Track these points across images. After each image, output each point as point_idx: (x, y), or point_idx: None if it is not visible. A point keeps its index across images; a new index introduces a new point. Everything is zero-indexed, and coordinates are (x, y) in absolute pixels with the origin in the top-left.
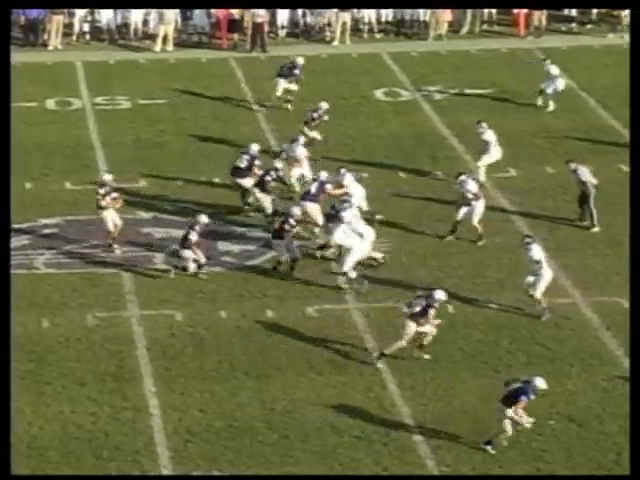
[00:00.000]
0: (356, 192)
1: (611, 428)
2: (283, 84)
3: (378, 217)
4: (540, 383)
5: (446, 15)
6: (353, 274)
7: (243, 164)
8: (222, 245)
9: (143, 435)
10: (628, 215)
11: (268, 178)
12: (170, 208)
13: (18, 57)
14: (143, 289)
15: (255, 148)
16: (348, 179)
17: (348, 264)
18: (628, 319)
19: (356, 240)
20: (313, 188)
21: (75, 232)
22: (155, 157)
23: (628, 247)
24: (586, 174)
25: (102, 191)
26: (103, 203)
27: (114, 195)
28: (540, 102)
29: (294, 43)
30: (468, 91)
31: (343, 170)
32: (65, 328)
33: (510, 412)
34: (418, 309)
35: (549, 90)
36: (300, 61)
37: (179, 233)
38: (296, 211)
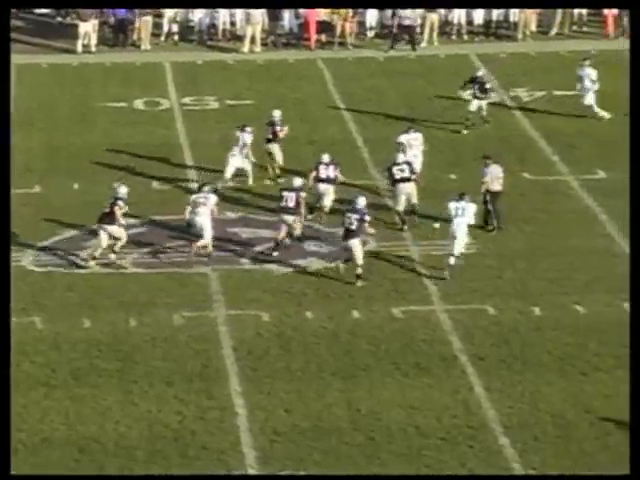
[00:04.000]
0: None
1: None
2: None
3: (436, 225)
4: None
5: (533, 16)
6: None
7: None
8: (309, 245)
9: (229, 435)
10: None
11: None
12: (257, 208)
13: (108, 57)
14: (230, 289)
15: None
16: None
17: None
18: None
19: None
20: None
21: (162, 232)
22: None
23: None
24: (489, 174)
25: (122, 203)
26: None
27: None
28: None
29: (381, 44)
30: (557, 93)
31: None
32: (152, 327)
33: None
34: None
35: (587, 100)
36: None
37: (266, 233)
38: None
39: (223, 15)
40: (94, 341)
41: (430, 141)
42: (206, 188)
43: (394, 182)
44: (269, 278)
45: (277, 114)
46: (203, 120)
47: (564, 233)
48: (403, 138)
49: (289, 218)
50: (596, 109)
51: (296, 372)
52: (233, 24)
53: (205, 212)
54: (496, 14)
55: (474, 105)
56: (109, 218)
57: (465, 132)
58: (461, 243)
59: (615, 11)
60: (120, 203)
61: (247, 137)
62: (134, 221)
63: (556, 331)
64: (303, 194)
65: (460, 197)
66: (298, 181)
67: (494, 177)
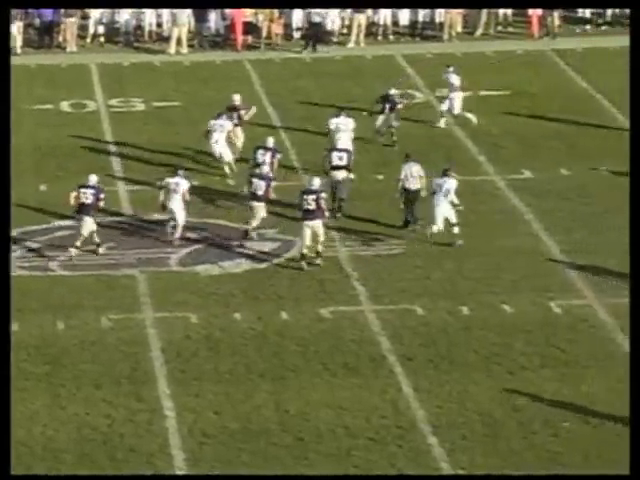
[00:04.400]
0: None
1: (626, 430)
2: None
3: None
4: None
5: (459, 16)
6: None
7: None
8: (237, 246)
9: (158, 437)
10: None
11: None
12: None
13: (33, 59)
14: (157, 291)
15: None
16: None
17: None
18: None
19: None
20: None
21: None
22: (169, 160)
23: None
24: (404, 172)
25: (102, 195)
26: (101, 205)
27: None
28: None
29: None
30: (483, 93)
31: None
32: (80, 330)
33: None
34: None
35: (444, 106)
36: None
37: (193, 235)
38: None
39: (149, 16)
40: (22, 344)
41: (356, 142)
42: (181, 172)
43: (331, 168)
44: (197, 280)
45: (237, 97)
46: (130, 122)
47: (491, 233)
48: (333, 122)
49: (314, 223)
50: (465, 114)
51: (225, 374)
52: (160, 25)
53: (177, 198)
54: (422, 15)
55: (380, 120)
56: (88, 208)
57: (396, 147)
58: (441, 217)
59: (539, 11)
60: (101, 195)
61: (226, 123)
62: (61, 223)
63: (483, 330)
64: (324, 195)
65: (443, 173)
66: (317, 182)
67: (409, 175)
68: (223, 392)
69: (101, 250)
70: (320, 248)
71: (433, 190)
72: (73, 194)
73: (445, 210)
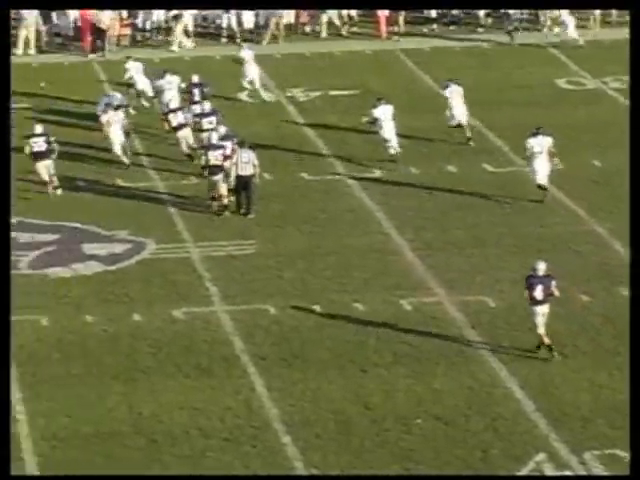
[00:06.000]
0: None
1: (477, 426)
2: None
3: None
4: None
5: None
6: None
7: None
8: (88, 248)
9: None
10: (489, 215)
11: None
12: (35, 212)
13: None
14: None
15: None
16: None
17: None
18: (492, 318)
19: None
20: None
21: None
22: (20, 164)
23: (491, 246)
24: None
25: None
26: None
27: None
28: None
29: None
30: (333, 93)
31: None
32: None
33: None
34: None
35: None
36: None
37: (44, 237)
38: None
39: None
40: None
41: None
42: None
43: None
44: (47, 282)
45: (196, 77)
46: None
47: (342, 232)
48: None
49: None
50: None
51: (76, 376)
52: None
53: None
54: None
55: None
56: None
57: None
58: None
59: (387, 12)
60: (52, 139)
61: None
62: None
63: (336, 329)
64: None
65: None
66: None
67: (242, 161)
68: (75, 395)
69: (58, 192)
70: (225, 201)
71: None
72: (26, 147)
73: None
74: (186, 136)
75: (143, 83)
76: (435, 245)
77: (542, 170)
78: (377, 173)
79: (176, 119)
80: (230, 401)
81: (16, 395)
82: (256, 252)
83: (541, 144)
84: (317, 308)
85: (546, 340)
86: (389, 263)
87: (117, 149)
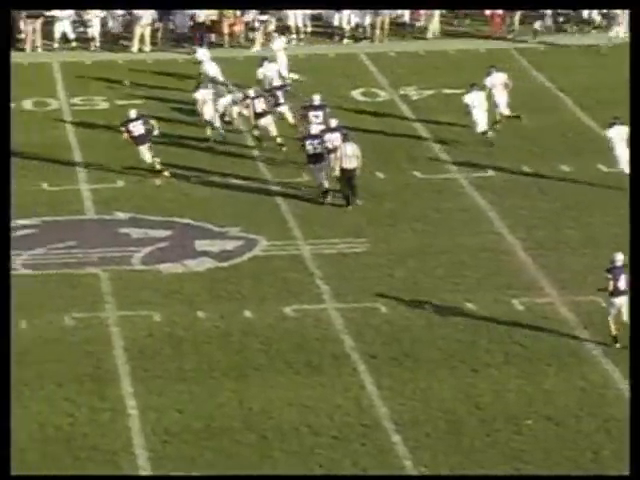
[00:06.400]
0: None
1: (589, 427)
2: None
3: None
4: None
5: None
6: None
7: None
8: (200, 244)
9: (121, 436)
10: (602, 215)
11: None
12: (148, 208)
13: None
14: (120, 290)
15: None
16: None
17: None
18: (605, 318)
19: None
20: None
21: (53, 233)
22: (133, 157)
23: (604, 247)
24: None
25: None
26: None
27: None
28: None
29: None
30: (446, 91)
31: None
32: (43, 329)
33: None
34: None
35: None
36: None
37: (157, 233)
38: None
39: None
40: None
41: None
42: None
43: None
44: (159, 278)
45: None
46: (93, 120)
47: (454, 231)
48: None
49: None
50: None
51: (188, 372)
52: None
53: None
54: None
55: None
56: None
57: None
58: None
59: (500, 11)
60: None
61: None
62: (24, 222)
63: (447, 328)
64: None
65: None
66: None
67: (347, 154)
68: (186, 390)
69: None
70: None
71: None
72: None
73: None
74: (268, 124)
75: (214, 71)
76: (547, 245)
77: (624, 156)
78: (490, 172)
79: (260, 105)
80: (340, 399)
81: (128, 389)
82: (367, 250)
83: (620, 133)
84: (428, 307)
85: (614, 331)
86: (501, 263)
87: (208, 117)
